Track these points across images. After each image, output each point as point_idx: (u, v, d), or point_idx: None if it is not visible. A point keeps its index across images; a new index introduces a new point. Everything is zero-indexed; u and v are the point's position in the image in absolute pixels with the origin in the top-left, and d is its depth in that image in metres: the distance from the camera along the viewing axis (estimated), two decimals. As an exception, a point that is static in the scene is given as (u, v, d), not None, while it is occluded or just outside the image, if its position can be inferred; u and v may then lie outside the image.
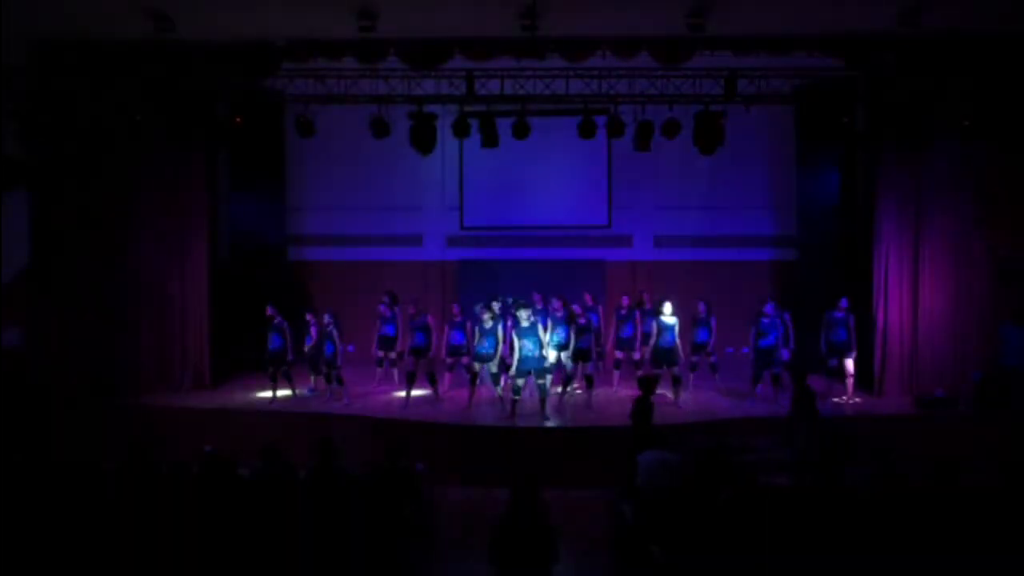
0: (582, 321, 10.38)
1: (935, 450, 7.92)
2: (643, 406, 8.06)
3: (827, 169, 12.39)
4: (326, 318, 10.52)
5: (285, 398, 10.73)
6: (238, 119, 11.38)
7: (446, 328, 10.77)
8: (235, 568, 5.54)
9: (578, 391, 10.73)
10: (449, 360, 10.79)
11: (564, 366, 10.46)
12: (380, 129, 11.02)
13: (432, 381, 10.55)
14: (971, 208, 10.66)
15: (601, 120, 10.94)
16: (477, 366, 10.14)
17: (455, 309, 10.82)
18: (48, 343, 10.58)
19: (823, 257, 12.39)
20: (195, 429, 9.76)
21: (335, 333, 10.42)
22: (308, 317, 10.82)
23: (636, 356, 10.95)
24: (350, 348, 11.50)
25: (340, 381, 10.53)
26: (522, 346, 9.60)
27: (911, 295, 10.75)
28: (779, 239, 13.39)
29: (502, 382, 10.29)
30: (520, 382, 9.73)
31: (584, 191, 13.49)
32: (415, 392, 10.44)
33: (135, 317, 11.02)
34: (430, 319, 10.71)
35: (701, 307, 10.84)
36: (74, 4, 9.13)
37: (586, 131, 10.94)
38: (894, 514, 5.69)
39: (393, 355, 11.14)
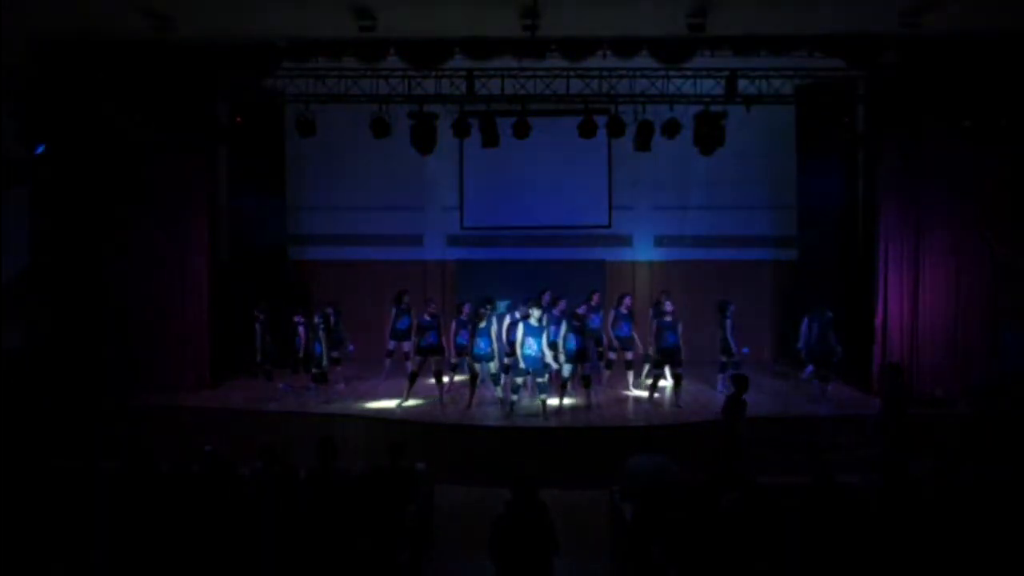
0: (575, 323, 10.34)
1: (935, 450, 7.91)
2: (736, 404, 8.21)
3: (827, 169, 12.38)
4: (317, 318, 10.56)
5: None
6: (238, 119, 11.39)
7: (454, 327, 10.74)
8: (234, 568, 5.54)
9: (577, 391, 10.70)
10: (455, 360, 10.83)
11: (560, 367, 10.45)
12: (380, 129, 11.00)
13: (438, 380, 10.54)
14: (971, 208, 10.65)
15: (601, 120, 10.92)
16: (477, 366, 10.16)
17: (464, 309, 10.73)
18: (48, 343, 10.57)
19: (823, 257, 12.38)
20: (195, 429, 9.76)
21: (322, 334, 10.50)
22: (296, 319, 10.77)
23: (629, 356, 10.96)
24: (350, 348, 11.49)
25: (324, 379, 10.59)
26: (526, 345, 9.61)
27: (911, 295, 10.73)
28: (779, 239, 13.38)
29: (502, 382, 10.32)
30: (519, 381, 9.74)
31: (584, 191, 13.47)
32: (414, 391, 10.49)
33: (135, 317, 11.01)
34: (440, 319, 10.67)
35: (667, 305, 10.59)
36: (74, 4, 9.12)
37: (586, 131, 10.92)
38: (902, 515, 5.70)
39: (405, 350, 11.14)
